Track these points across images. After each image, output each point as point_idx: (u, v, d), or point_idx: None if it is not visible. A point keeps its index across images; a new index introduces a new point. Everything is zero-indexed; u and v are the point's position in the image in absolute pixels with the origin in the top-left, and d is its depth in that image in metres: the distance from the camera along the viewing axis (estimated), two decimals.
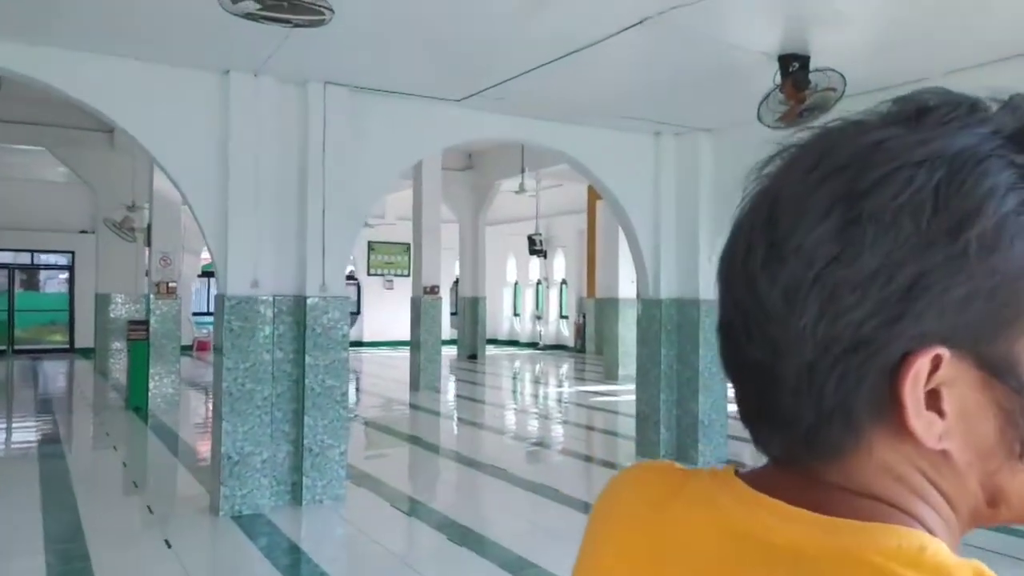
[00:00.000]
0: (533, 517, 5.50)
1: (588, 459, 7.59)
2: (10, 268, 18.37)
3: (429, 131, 6.00)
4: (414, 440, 8.40)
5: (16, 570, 4.24)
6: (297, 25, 3.23)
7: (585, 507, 5.50)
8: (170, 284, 10.41)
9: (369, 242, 20.54)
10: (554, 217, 18.89)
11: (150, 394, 9.63)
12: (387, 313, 20.78)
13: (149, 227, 11.39)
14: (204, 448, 7.40)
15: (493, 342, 20.15)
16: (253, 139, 5.20)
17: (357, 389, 12.95)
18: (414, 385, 11.81)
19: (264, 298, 5.25)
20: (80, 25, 4.35)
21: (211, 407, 5.30)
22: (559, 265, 20.35)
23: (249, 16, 3.09)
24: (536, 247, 18.41)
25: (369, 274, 21.18)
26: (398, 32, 4.45)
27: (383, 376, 14.41)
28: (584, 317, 18.87)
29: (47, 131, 10.99)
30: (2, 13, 4.15)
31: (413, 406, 10.65)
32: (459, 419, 10.02)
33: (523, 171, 12.93)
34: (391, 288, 21.15)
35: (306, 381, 5.30)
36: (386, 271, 21.35)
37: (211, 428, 5.66)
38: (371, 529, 5.04)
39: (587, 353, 17.84)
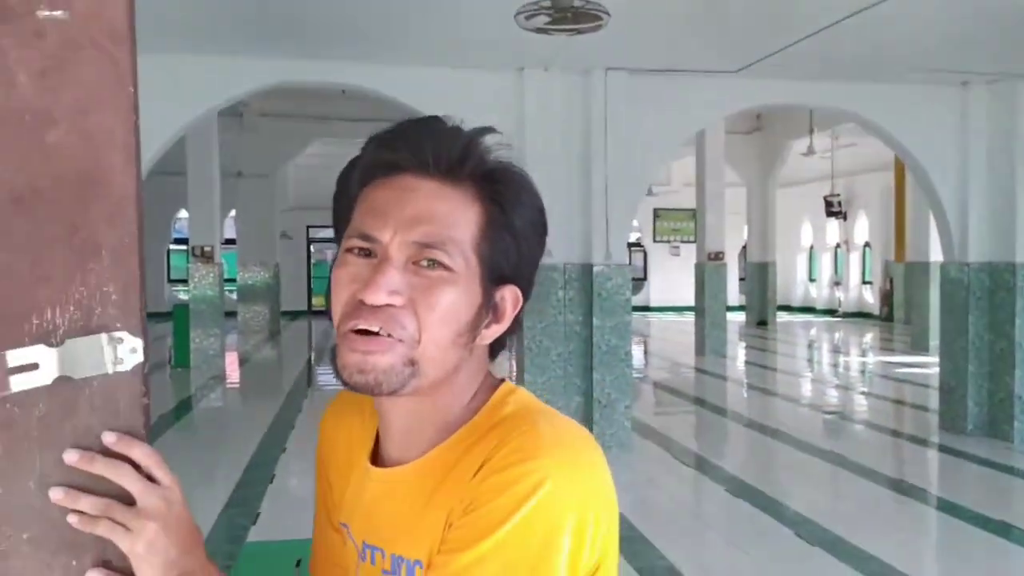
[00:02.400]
0: (834, 489, 5.47)
1: (894, 433, 7.16)
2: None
3: (706, 103, 6.19)
4: (699, 402, 8.68)
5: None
6: (580, 32, 3.70)
7: (890, 483, 5.38)
8: None
9: (655, 209, 20.87)
10: (855, 176, 17.53)
11: None
12: (673, 279, 21.01)
13: None
14: None
15: (785, 308, 19.40)
16: (543, 125, 5.85)
17: (645, 352, 13.49)
18: (699, 350, 12.02)
19: (557, 266, 5.93)
20: (405, 47, 5.30)
21: (515, 362, 6.13)
22: (861, 227, 18.84)
23: (539, 30, 3.63)
24: (833, 209, 17.31)
25: (655, 241, 21.56)
26: (673, 15, 4.73)
27: (669, 340, 14.78)
28: (891, 282, 17.34)
29: (378, 126, 12.93)
30: (352, 43, 5.22)
31: (699, 370, 10.89)
32: (748, 384, 10.07)
33: (811, 132, 12.31)
34: (677, 254, 21.32)
35: (594, 340, 5.90)
36: (672, 237, 21.54)
37: (515, 378, 6.53)
38: (658, 478, 5.50)
39: (894, 321, 16.43)
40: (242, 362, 11.39)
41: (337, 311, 0.72)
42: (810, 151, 13.22)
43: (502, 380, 0.80)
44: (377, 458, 0.81)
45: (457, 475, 0.72)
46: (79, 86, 0.66)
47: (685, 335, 14.32)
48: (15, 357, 0.63)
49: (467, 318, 0.73)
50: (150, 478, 0.68)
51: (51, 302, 0.65)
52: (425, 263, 0.71)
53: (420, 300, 0.70)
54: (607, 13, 3.64)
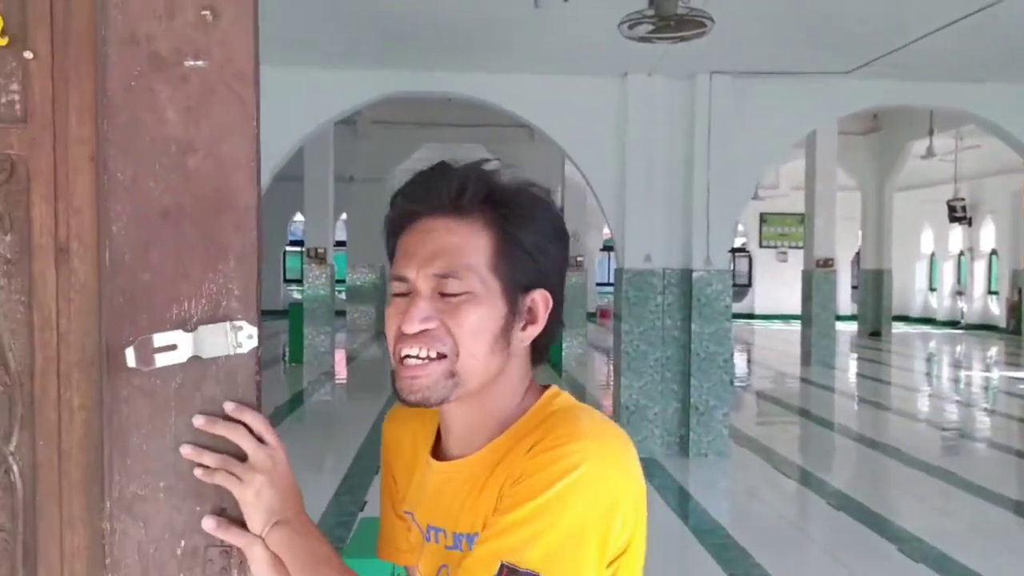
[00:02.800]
0: (945, 507, 5.22)
1: (1018, 453, 6.69)
2: None
3: (815, 105, 6.06)
4: (804, 413, 8.43)
5: None
6: (684, 40, 3.73)
7: (1010, 504, 5.09)
8: (577, 258, 11.88)
9: (761, 214, 20.30)
10: (981, 179, 16.46)
11: (563, 353, 11.20)
12: (780, 286, 20.35)
13: (561, 209, 13.06)
14: (605, 399, 8.49)
15: (902, 319, 18.44)
16: (645, 130, 5.88)
17: (748, 360, 13.17)
18: (805, 360, 11.63)
19: (655, 271, 5.94)
20: (509, 55, 5.46)
21: (612, 366, 6.17)
22: (987, 233, 17.65)
23: (643, 39, 3.69)
24: (957, 214, 16.30)
25: (761, 246, 20.95)
26: (780, 17, 4.67)
27: (774, 349, 14.36)
28: (1020, 292, 16.18)
29: (483, 131, 13.26)
30: (460, 53, 5.43)
31: (804, 380, 10.55)
32: (857, 397, 9.68)
33: (931, 133, 11.68)
34: (784, 260, 20.63)
35: (692, 346, 5.87)
36: (779, 243, 20.88)
37: (612, 382, 6.58)
38: (757, 488, 5.42)
39: (1022, 335, 15.34)
40: (350, 359, 11.91)
41: (390, 343, 0.85)
42: (930, 153, 12.55)
43: (548, 386, 0.90)
44: (439, 454, 0.93)
45: (510, 460, 0.83)
46: (214, 120, 0.80)
47: (791, 344, 13.86)
48: (159, 339, 0.78)
49: (496, 328, 0.84)
50: (261, 440, 0.80)
51: (188, 295, 0.80)
52: (447, 291, 0.83)
53: (450, 321, 0.82)
54: (711, 19, 3.65)
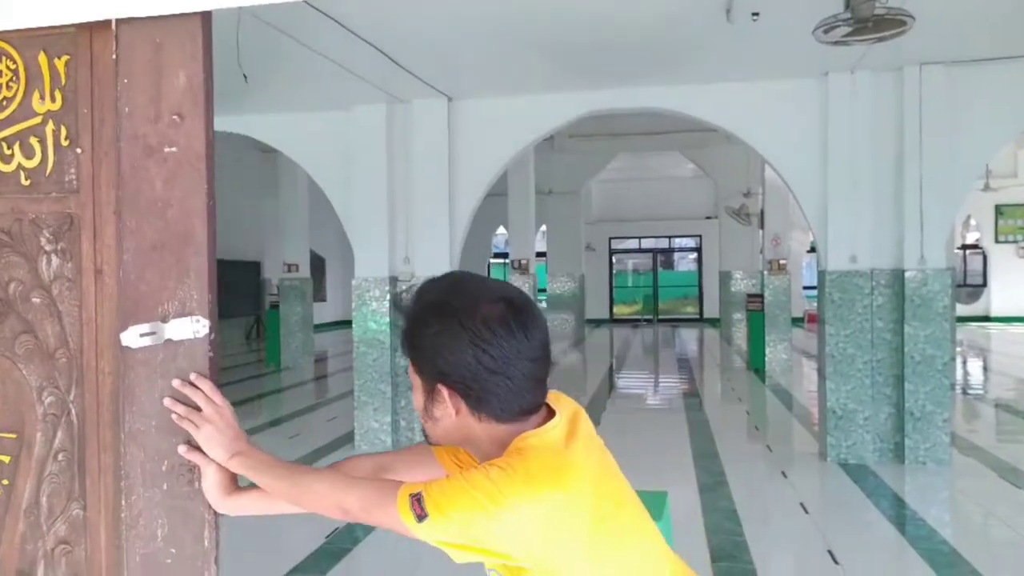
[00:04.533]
0: None
1: None
2: (653, 252, 22.41)
3: None
4: None
5: (678, 486, 5.75)
6: (883, 40, 3.69)
7: None
8: (781, 261, 11.53)
9: (997, 206, 18.29)
10: None
11: (767, 358, 10.93)
12: (1021, 284, 18.18)
13: (762, 211, 12.75)
14: (813, 405, 8.22)
15: None
16: (849, 127, 5.73)
17: (984, 367, 12.01)
18: None
19: (862, 271, 5.76)
20: (703, 66, 5.59)
21: (816, 370, 6.05)
22: None
23: (839, 43, 3.72)
24: None
25: (997, 241, 18.85)
26: (992, 1, 4.42)
27: (1014, 355, 12.92)
28: None
29: (678, 137, 13.27)
30: (653, 68, 5.65)
31: None
32: None
33: None
34: None
35: (905, 349, 5.61)
36: (1020, 236, 18.65)
37: (817, 386, 6.42)
38: (983, 499, 5.07)
39: None
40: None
41: None
42: None
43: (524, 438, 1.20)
44: None
45: None
46: (182, 186, 1.24)
47: None
48: (147, 327, 1.25)
49: (420, 406, 1.23)
50: (212, 401, 1.24)
51: (167, 299, 1.25)
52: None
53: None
54: (911, 17, 3.60)
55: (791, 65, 5.64)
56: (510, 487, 1.07)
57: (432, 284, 1.21)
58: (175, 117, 1.23)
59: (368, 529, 4.65)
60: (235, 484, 1.28)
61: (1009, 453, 6.26)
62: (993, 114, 5.57)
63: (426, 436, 1.27)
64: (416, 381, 1.21)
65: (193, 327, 1.24)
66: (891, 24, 3.58)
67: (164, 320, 1.24)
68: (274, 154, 9.79)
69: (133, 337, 1.25)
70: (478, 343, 1.12)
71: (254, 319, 16.74)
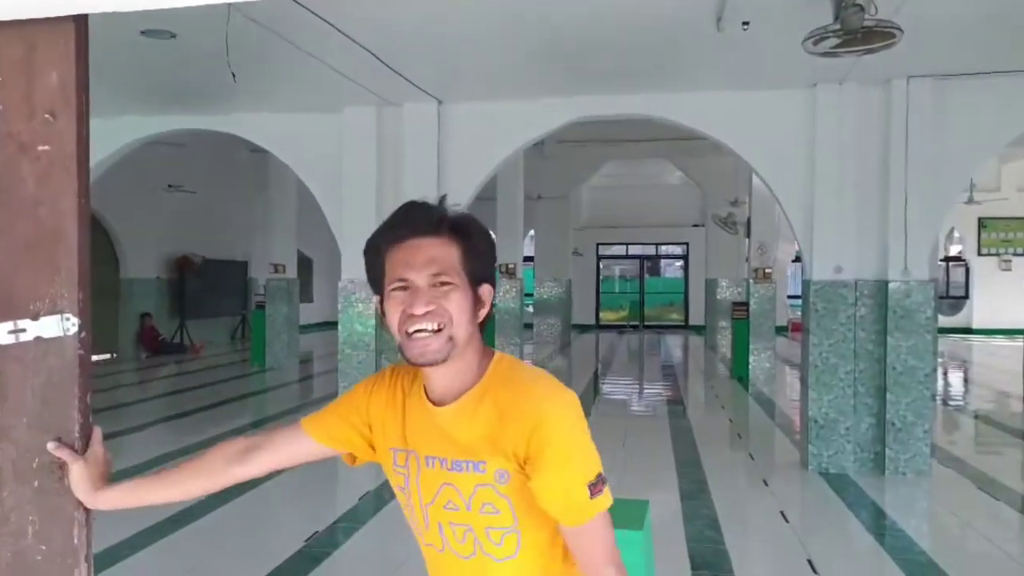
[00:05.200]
0: None
1: None
2: (640, 258, 22.48)
3: None
4: None
5: (659, 493, 5.76)
6: (871, 52, 3.72)
7: None
8: (766, 270, 11.59)
9: (980, 219, 18.47)
10: None
11: (750, 366, 10.98)
12: (1003, 297, 18.38)
13: (748, 220, 12.81)
14: (795, 414, 8.27)
15: None
16: (836, 139, 5.78)
17: (964, 379, 12.12)
18: None
19: (847, 282, 5.80)
20: (693, 74, 5.62)
21: (799, 378, 6.07)
22: None
23: (827, 54, 3.75)
24: None
25: (980, 254, 19.04)
26: (983, 16, 4.47)
27: (995, 367, 13.05)
28: None
29: (668, 145, 13.32)
30: (642, 75, 5.68)
31: None
32: None
33: None
34: (1008, 269, 18.61)
35: (888, 360, 5.66)
36: (1002, 250, 18.86)
37: (800, 394, 6.45)
38: (962, 511, 5.10)
39: None
40: None
41: (394, 323, 1.24)
42: None
43: (494, 351, 1.31)
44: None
45: (489, 402, 1.24)
46: (54, 185, 1.25)
47: (1015, 362, 12.54)
48: (19, 324, 1.25)
49: (469, 307, 1.24)
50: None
51: (37, 297, 1.25)
52: (439, 283, 1.22)
53: (444, 303, 1.22)
54: (899, 29, 3.63)
55: (780, 76, 5.68)
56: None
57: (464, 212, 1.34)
58: (48, 116, 1.24)
59: (349, 531, 4.62)
60: (104, 480, 1.32)
61: (988, 464, 6.32)
62: (977, 128, 5.64)
63: (428, 347, 1.22)
64: (461, 278, 1.24)
65: (63, 325, 1.25)
66: (880, 36, 3.61)
67: (35, 318, 1.25)
68: (263, 154, 9.73)
69: (3, 334, 1.25)
70: (495, 259, 1.36)
71: (240, 319, 16.65)
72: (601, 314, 21.79)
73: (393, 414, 1.35)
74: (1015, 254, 18.57)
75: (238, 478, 1.41)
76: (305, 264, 18.25)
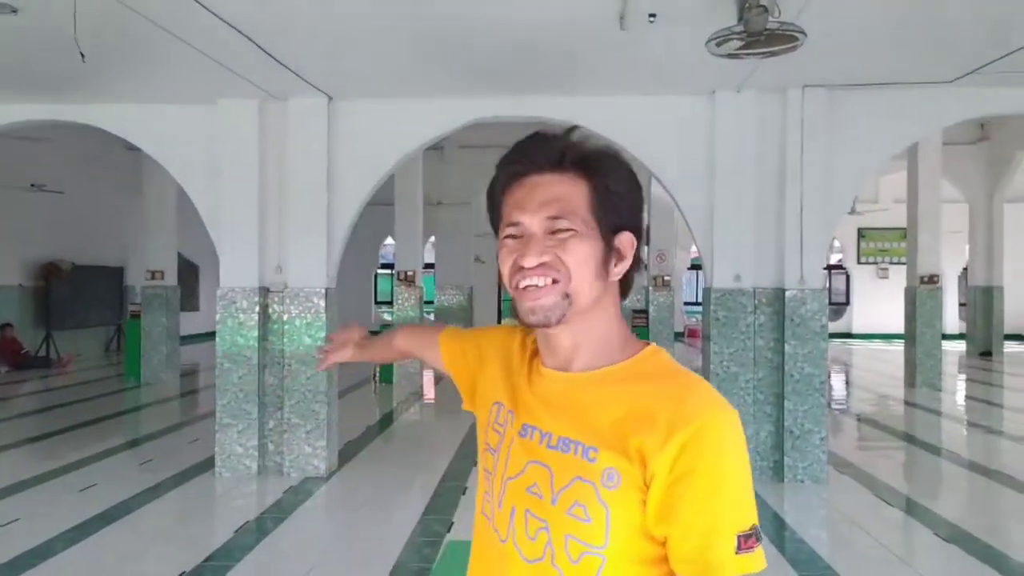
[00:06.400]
0: None
1: None
2: None
3: (917, 116, 5.78)
4: (909, 438, 7.98)
5: None
6: (774, 55, 3.64)
7: None
8: (665, 277, 11.70)
9: (859, 229, 19.51)
10: None
11: None
12: (880, 303, 19.45)
13: (648, 228, 12.94)
14: None
15: (1015, 338, 17.26)
16: (735, 146, 5.77)
17: (846, 382, 12.61)
18: (910, 381, 11.03)
19: (746, 290, 5.78)
20: (596, 78, 5.46)
21: None
22: None
23: (731, 56, 3.63)
24: None
25: (859, 262, 20.10)
26: (876, 28, 4.50)
27: (874, 370, 13.69)
28: None
29: None
30: (544, 77, 5.47)
31: (909, 403, 10.00)
32: (967, 421, 9.10)
33: None
34: (885, 277, 19.73)
35: (785, 368, 5.67)
36: (879, 258, 19.97)
37: None
38: (857, 516, 5.15)
39: None
40: (437, 380, 12.08)
41: (505, 274, 1.05)
42: None
43: (648, 341, 1.08)
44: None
45: (620, 396, 0.99)
46: None
47: (893, 365, 13.19)
48: None
49: (597, 259, 1.01)
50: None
51: None
52: (556, 230, 1.00)
53: (561, 254, 1.00)
54: (803, 33, 3.56)
55: (681, 82, 5.61)
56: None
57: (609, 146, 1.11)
58: None
59: (221, 572, 4.14)
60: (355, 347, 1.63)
61: (880, 469, 6.45)
62: (868, 138, 5.74)
63: (542, 305, 1.00)
64: (588, 225, 1.02)
65: None
66: (782, 39, 3.53)
67: None
68: (139, 152, 8.99)
69: None
70: (643, 204, 1.11)
71: (115, 329, 15.45)
72: (503, 321, 21.62)
73: (510, 367, 1.15)
74: (892, 263, 19.69)
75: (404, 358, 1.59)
76: (190, 270, 17.17)
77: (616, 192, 1.03)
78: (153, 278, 11.65)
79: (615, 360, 1.02)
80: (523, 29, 4.47)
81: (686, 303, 20.94)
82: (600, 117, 5.91)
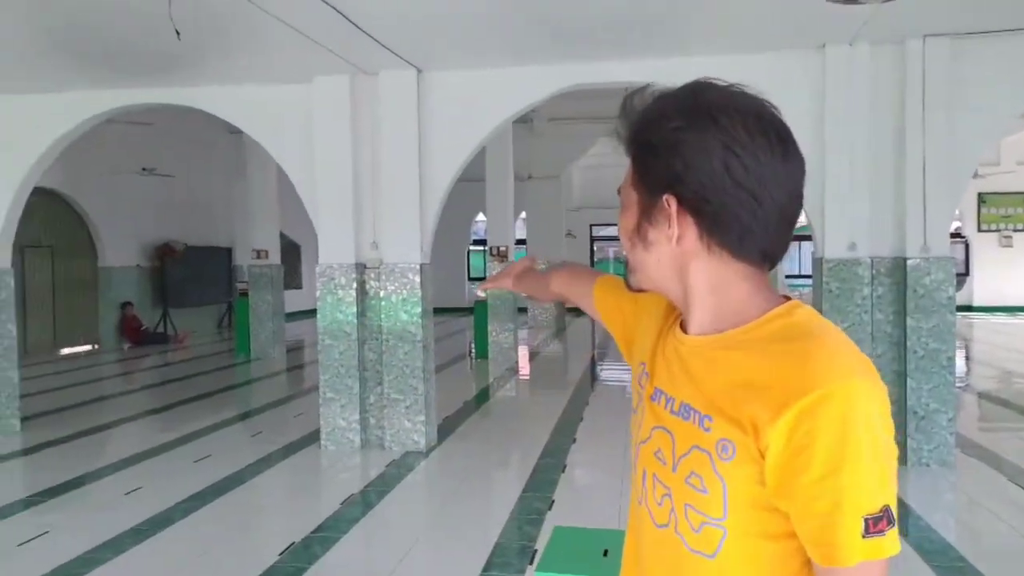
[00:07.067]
0: None
1: None
2: None
3: None
4: None
5: None
6: None
7: None
8: None
9: (979, 194, 18.10)
10: None
11: None
12: (1004, 274, 18.07)
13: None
14: None
15: None
16: (847, 105, 5.36)
17: (967, 358, 11.80)
18: None
19: (862, 260, 5.40)
20: (688, 36, 5.18)
21: None
22: None
23: (848, 1, 3.32)
24: None
25: (980, 230, 18.70)
26: None
27: (999, 345, 12.73)
28: None
29: None
30: (633, 40, 5.23)
31: None
32: None
33: None
34: (1009, 245, 18.29)
35: (908, 343, 5.27)
36: (1002, 225, 18.52)
37: None
38: (987, 501, 4.77)
39: None
40: (532, 356, 12.05)
41: None
42: None
43: (786, 297, 0.95)
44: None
45: (732, 361, 0.92)
46: None
47: (1018, 339, 12.22)
48: None
49: (630, 228, 1.00)
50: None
51: None
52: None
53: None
54: None
55: (787, 36, 5.24)
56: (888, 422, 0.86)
57: (672, 89, 0.98)
58: None
59: (327, 545, 4.22)
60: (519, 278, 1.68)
61: (1008, 450, 5.96)
62: (1001, 91, 5.22)
63: (626, 279, 1.05)
64: (630, 196, 1.00)
65: None
66: None
67: None
68: (241, 134, 9.26)
69: None
70: (731, 145, 0.89)
71: (226, 307, 16.19)
72: None
73: (656, 327, 1.10)
74: (1015, 230, 18.23)
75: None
76: (293, 249, 17.77)
77: (650, 145, 0.94)
78: (258, 257, 12.08)
79: (739, 322, 0.94)
80: None
81: (787, 276, 20.09)
82: (691, 79, 5.59)
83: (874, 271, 5.41)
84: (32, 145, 6.53)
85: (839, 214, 5.42)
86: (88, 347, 13.03)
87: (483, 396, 8.76)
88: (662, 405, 1.00)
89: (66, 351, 12.67)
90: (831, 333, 0.89)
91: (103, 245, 13.34)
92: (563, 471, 5.49)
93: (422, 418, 5.99)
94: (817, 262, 5.62)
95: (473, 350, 11.54)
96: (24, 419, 7.06)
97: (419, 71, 5.85)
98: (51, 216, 12.36)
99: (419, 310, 5.96)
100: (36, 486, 5.31)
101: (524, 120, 13.15)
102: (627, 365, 1.20)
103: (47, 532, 4.37)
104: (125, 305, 13.53)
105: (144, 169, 13.40)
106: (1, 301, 6.74)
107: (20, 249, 11.36)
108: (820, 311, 5.48)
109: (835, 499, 0.81)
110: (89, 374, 10.63)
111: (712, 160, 0.89)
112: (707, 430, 0.91)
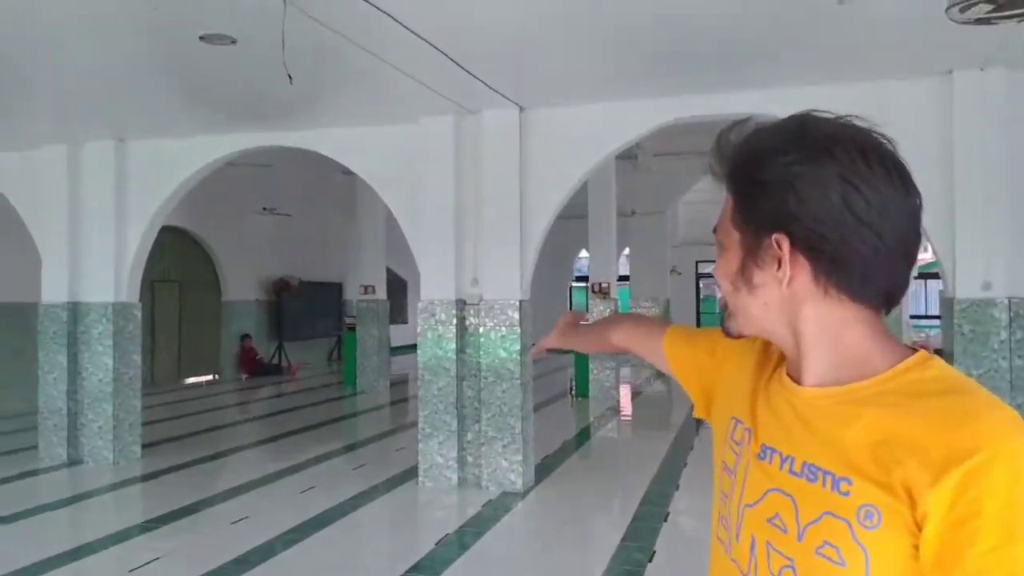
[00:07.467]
0: None
1: None
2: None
3: None
4: None
5: None
6: None
7: None
8: None
9: None
10: None
11: None
12: None
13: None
14: None
15: None
16: (979, 134, 4.97)
17: None
18: None
19: (998, 300, 4.94)
20: (802, 64, 4.95)
21: None
22: None
23: (980, 21, 3.07)
24: None
25: None
26: None
27: None
28: None
29: None
30: (744, 70, 5.06)
31: None
32: None
33: None
34: None
35: None
36: None
37: None
38: None
39: None
40: (634, 395, 11.75)
41: None
42: None
43: (914, 349, 0.88)
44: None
45: (867, 418, 0.83)
46: None
47: None
48: None
49: (732, 269, 0.93)
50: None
51: None
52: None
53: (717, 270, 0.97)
54: None
55: (910, 62, 4.93)
56: None
57: (773, 122, 0.92)
58: None
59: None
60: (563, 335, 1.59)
61: None
62: None
63: (724, 324, 0.98)
64: (730, 236, 0.93)
65: None
66: None
67: None
68: (354, 176, 9.62)
69: None
70: (849, 177, 0.83)
71: (335, 340, 16.76)
72: None
73: (750, 378, 1.02)
74: None
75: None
76: (399, 285, 18.23)
77: (758, 182, 0.87)
78: (366, 293, 12.45)
79: (867, 374, 0.86)
80: (718, 16, 4.13)
81: (912, 316, 18.84)
82: (811, 108, 5.34)
83: (1012, 313, 4.94)
84: (161, 186, 7.00)
85: (971, 251, 4.99)
86: (209, 377, 13.74)
87: (583, 436, 8.58)
88: (775, 465, 0.91)
89: (190, 381, 13.42)
90: (980, 388, 0.82)
91: (225, 280, 14.14)
92: (665, 520, 5.24)
93: (519, 458, 5.90)
94: (947, 302, 5.18)
95: (574, 388, 11.37)
96: (144, 446, 7.46)
97: (521, 109, 5.88)
98: (179, 252, 13.22)
99: (518, 347, 5.91)
100: (152, 512, 5.56)
101: (628, 156, 13.02)
102: None
103: (158, 558, 4.54)
104: (244, 337, 14.22)
105: (264, 208, 14.16)
106: (129, 333, 7.18)
107: (150, 284, 12.20)
108: (952, 355, 5.04)
109: (1013, 571, 0.73)
110: (207, 403, 11.18)
111: (830, 195, 0.83)
112: (845, 494, 0.82)
